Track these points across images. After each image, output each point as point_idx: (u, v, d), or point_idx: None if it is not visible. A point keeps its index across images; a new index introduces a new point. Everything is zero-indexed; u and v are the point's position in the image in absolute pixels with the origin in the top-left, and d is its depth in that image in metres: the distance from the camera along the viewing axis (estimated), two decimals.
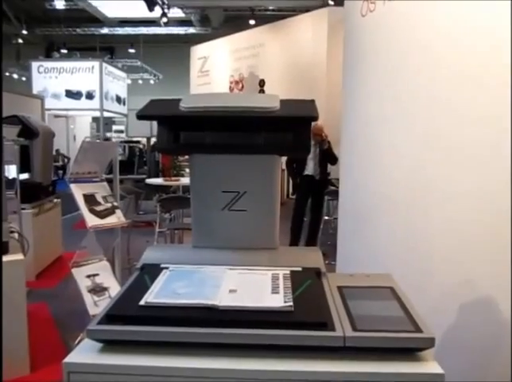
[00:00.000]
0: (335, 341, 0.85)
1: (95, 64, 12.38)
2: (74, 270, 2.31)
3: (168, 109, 1.11)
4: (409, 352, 0.86)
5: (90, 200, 2.40)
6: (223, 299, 0.94)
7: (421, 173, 1.98)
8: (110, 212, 2.46)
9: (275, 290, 0.99)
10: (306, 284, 1.05)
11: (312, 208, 5.21)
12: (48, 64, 12.43)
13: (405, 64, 2.14)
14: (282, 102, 1.11)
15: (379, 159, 2.19)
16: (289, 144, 1.12)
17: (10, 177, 2.79)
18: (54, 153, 13.92)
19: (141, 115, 1.03)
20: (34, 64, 12.26)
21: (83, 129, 14.77)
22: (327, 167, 5.22)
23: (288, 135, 1.12)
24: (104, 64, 12.64)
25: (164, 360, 0.85)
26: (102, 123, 12.72)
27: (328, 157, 5.01)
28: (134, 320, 0.89)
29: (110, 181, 6.38)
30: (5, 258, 1.88)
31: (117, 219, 2.40)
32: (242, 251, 1.21)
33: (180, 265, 1.16)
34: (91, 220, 2.33)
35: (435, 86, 1.95)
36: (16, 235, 2.07)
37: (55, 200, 4.31)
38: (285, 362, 0.84)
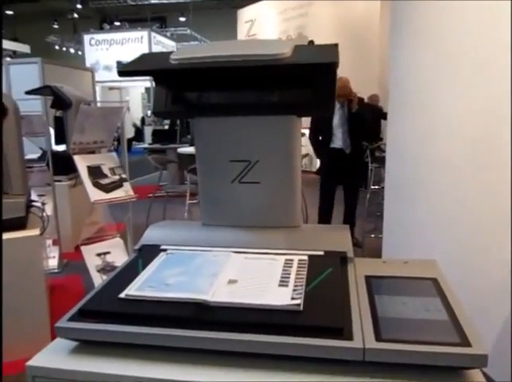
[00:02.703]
0: (351, 354, 0.65)
1: (144, 34, 12.37)
2: (83, 248, 2.19)
3: (158, 63, 0.93)
4: (450, 370, 0.65)
5: (95, 172, 2.23)
6: (218, 293, 0.77)
7: (487, 144, 1.68)
8: (117, 185, 2.28)
9: (284, 282, 0.81)
10: (325, 274, 0.85)
11: (344, 192, 3.90)
12: (99, 37, 12.58)
13: (461, 24, 1.82)
14: (297, 48, 0.88)
15: (436, 127, 1.89)
16: (305, 100, 0.91)
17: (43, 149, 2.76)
18: None
19: (123, 71, 0.86)
20: (86, 37, 12.46)
21: (136, 100, 15.02)
22: (361, 139, 3.95)
23: (304, 89, 0.90)
24: (153, 34, 12.61)
25: (140, 367, 0.70)
26: (153, 93, 12.78)
27: (361, 123, 3.65)
28: (110, 316, 0.75)
29: (157, 151, 6.41)
30: (20, 233, 1.83)
31: (124, 192, 2.25)
32: (255, 231, 1.03)
33: (182, 247, 1.00)
34: (95, 195, 2.17)
35: (495, 47, 1.64)
36: (38, 209, 2.01)
37: None
38: (285, 374, 0.67)
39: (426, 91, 1.99)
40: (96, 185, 2.21)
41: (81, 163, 2.19)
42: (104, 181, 2.24)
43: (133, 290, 0.80)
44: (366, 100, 5.91)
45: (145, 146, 7.13)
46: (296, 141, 1.01)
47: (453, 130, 1.83)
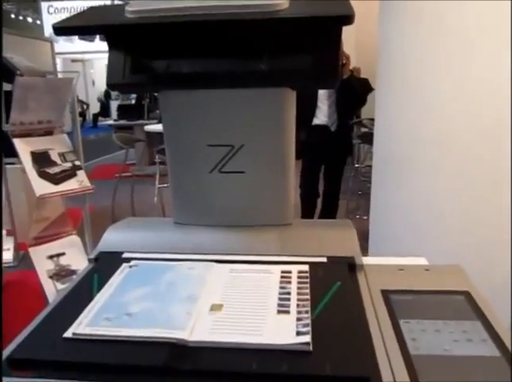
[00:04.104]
0: None
1: (107, 2, 11.65)
2: (31, 251, 1.84)
3: (108, 17, 0.70)
4: None
5: (41, 159, 1.84)
6: (198, 326, 0.58)
7: (488, 123, 1.53)
8: (68, 174, 1.89)
9: (284, 306, 0.62)
10: (333, 290, 0.67)
11: (326, 174, 3.31)
12: (58, 4, 11.78)
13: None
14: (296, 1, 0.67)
15: (430, 103, 1.72)
16: (303, 68, 0.71)
17: None
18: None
19: (60, 28, 0.63)
20: (43, 5, 11.65)
21: (102, 73, 14.32)
22: (349, 113, 3.38)
23: (302, 53, 0.70)
24: (117, 1, 11.90)
25: None
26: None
27: (351, 94, 3.07)
28: (50, 367, 0.55)
29: (124, 128, 6.03)
30: None
31: (78, 183, 1.88)
32: (240, 231, 0.84)
33: (149, 254, 0.80)
34: (41, 188, 1.79)
35: (491, 19, 1.49)
36: None
37: None
38: None
39: (418, 63, 1.81)
40: (43, 175, 1.83)
41: (23, 148, 1.80)
42: (53, 170, 1.86)
43: (83, 325, 0.60)
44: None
45: (111, 122, 6.72)
46: (290, 120, 0.82)
47: (450, 106, 1.67)
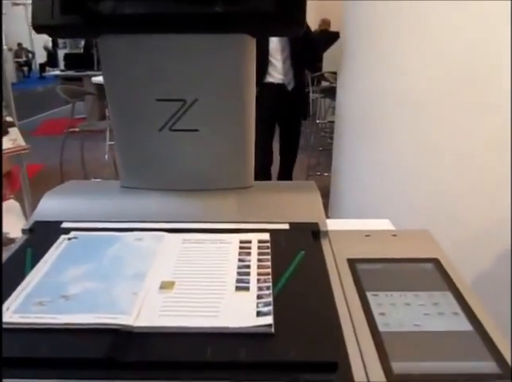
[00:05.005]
0: None
1: None
2: None
3: None
4: None
5: None
6: (146, 309, 0.51)
7: (466, 81, 1.48)
8: None
9: (243, 282, 0.56)
10: (296, 261, 0.62)
11: (282, 137, 3.02)
12: None
13: None
14: None
15: (403, 58, 1.65)
16: (265, 11, 0.62)
17: None
18: (16, 47, 12.64)
19: None
20: None
21: None
22: (305, 70, 3.04)
23: None
24: None
25: None
26: None
27: (309, 46, 2.78)
28: None
29: (73, 79, 5.61)
30: None
31: (11, 143, 1.65)
32: (194, 196, 0.76)
33: (92, 223, 0.72)
34: None
35: None
36: None
37: None
38: None
39: (389, 15, 1.72)
40: None
41: None
42: None
43: (10, 311, 0.51)
44: (317, 26, 5.46)
45: (57, 73, 6.25)
46: (250, 72, 0.73)
47: (424, 62, 1.61)
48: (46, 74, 10.84)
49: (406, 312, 0.54)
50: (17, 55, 10.98)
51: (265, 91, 2.71)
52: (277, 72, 2.79)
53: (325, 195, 2.29)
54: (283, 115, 2.90)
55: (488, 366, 0.46)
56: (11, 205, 1.71)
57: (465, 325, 0.52)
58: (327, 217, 0.75)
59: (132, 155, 0.78)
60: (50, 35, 0.73)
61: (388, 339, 0.50)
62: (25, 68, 11.13)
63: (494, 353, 0.47)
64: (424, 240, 0.71)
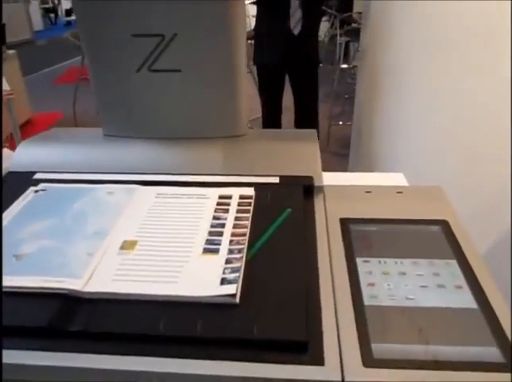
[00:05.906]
0: None
1: None
2: None
3: None
4: None
5: None
6: (100, 273, 0.46)
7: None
8: None
9: (212, 244, 0.50)
10: (279, 221, 0.54)
11: (295, 92, 2.48)
12: None
13: None
14: None
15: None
16: None
17: None
18: None
19: None
20: None
21: None
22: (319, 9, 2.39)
23: None
24: None
25: None
26: None
27: None
28: None
29: None
30: None
31: None
32: (177, 145, 0.69)
33: (68, 174, 0.66)
34: None
35: None
36: None
37: (8, 52, 3.51)
38: None
39: None
40: None
41: None
42: None
43: None
44: None
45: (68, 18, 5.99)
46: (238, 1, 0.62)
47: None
48: (71, 19, 10.67)
49: (400, 283, 0.47)
50: (43, 1, 10.81)
51: (268, 37, 2.26)
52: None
53: (347, 145, 2.17)
54: (287, 63, 2.35)
55: (490, 353, 0.39)
56: (5, 154, 1.67)
57: (469, 302, 0.44)
58: (345, 171, 0.67)
59: (110, 99, 0.71)
60: None
61: (372, 315, 0.42)
62: (52, 15, 10.97)
63: (499, 338, 0.40)
64: (435, 199, 0.61)
